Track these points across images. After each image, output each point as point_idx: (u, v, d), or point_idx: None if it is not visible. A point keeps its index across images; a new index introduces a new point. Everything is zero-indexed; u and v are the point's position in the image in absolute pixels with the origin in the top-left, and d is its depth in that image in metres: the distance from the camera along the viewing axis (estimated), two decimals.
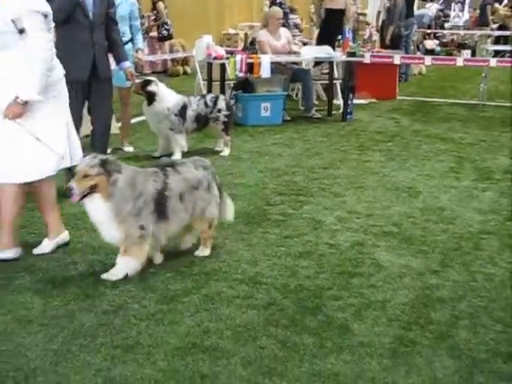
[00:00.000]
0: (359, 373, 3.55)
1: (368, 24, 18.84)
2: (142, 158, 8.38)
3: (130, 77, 7.38)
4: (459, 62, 11.69)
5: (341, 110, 11.44)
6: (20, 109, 4.68)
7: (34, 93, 4.67)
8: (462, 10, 31.81)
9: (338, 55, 11.49)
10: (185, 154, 8.35)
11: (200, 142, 9.16)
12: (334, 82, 11.99)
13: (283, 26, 12.06)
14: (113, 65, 7.02)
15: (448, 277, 4.84)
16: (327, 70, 11.93)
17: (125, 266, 4.67)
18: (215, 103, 8.53)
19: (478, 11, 26.76)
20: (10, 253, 4.96)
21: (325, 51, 11.54)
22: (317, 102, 12.20)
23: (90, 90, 6.47)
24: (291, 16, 18.93)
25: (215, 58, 10.90)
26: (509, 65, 12.02)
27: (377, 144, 9.38)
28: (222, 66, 10.86)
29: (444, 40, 25.84)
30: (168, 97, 8.26)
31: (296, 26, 18.97)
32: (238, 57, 10.65)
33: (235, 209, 6.23)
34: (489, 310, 4.33)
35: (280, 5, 14.03)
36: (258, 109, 10.50)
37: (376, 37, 17.89)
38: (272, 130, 10.19)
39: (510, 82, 15.08)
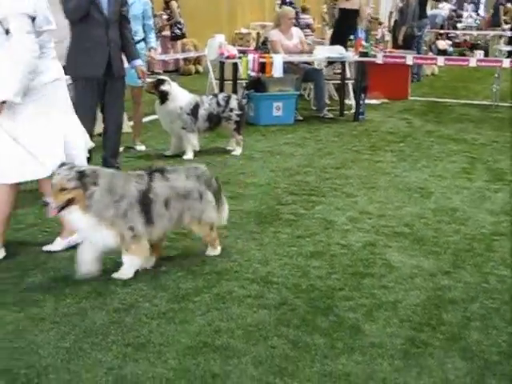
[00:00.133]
0: (370, 373, 3.54)
1: (380, 24, 18.80)
2: (153, 156, 8.40)
3: (142, 75, 7.39)
4: (472, 62, 11.63)
5: (353, 110, 11.43)
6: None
7: (11, 93, 4.65)
8: (476, 11, 31.71)
9: (351, 55, 11.47)
10: (197, 153, 8.38)
11: (212, 141, 9.16)
12: (346, 81, 11.97)
13: (294, 25, 12.06)
14: (125, 63, 7.04)
15: (460, 278, 4.83)
16: (339, 70, 11.92)
17: (130, 264, 4.68)
18: (227, 102, 8.54)
19: (492, 11, 26.66)
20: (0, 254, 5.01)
21: (337, 51, 11.52)
22: (329, 102, 12.19)
23: (104, 89, 6.48)
24: (303, 16, 18.93)
25: (227, 58, 10.93)
26: None
27: (389, 144, 9.36)
28: (235, 66, 10.88)
29: (456, 40, 25.76)
30: (180, 96, 8.27)
31: (308, 25, 18.95)
32: (251, 56, 10.66)
33: (247, 208, 6.28)
34: (501, 312, 4.31)
35: (290, 4, 14.03)
36: (270, 108, 10.50)
37: (388, 37, 17.87)
38: (284, 129, 10.19)
39: None
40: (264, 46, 13.14)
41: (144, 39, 8.52)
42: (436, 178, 7.60)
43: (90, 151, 6.51)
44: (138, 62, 7.16)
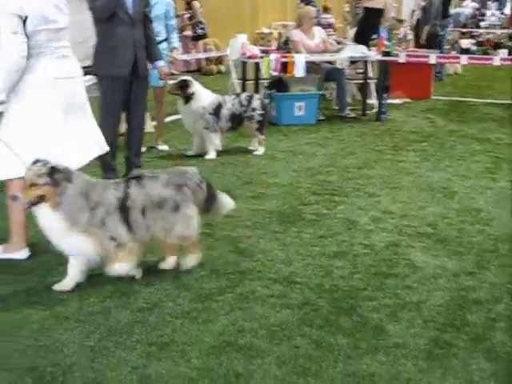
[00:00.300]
0: (394, 374, 3.53)
1: (402, 22, 18.69)
2: (176, 156, 8.43)
3: (163, 76, 7.42)
4: (496, 61, 11.54)
5: (375, 110, 11.39)
6: None
7: None
8: (500, 9, 31.46)
9: (373, 54, 11.43)
10: (219, 153, 8.40)
11: (234, 141, 9.17)
12: (369, 81, 11.93)
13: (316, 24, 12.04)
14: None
15: (484, 279, 4.79)
16: (361, 70, 11.89)
17: (123, 270, 4.53)
18: (250, 102, 8.55)
19: None
20: (24, 253, 5.05)
21: (360, 50, 11.49)
22: (351, 102, 12.15)
23: (130, 88, 6.50)
24: (325, 15, 18.88)
25: (249, 57, 10.93)
26: None
27: (411, 144, 9.32)
28: (256, 65, 10.89)
29: (480, 39, 25.56)
30: (203, 96, 8.30)
31: (330, 25, 18.90)
32: (273, 56, 10.67)
33: (269, 208, 6.28)
34: None
35: (309, 3, 14.00)
36: (291, 108, 10.50)
37: (411, 36, 17.78)
38: (306, 129, 10.18)
39: None
40: (286, 45, 13.12)
41: (166, 39, 8.55)
42: (459, 177, 7.55)
43: (113, 150, 6.60)
44: (161, 63, 7.19)
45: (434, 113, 12.00)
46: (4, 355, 3.66)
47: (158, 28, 7.97)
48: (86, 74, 5.63)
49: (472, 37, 25.02)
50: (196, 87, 8.27)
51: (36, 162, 4.37)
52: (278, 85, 10.64)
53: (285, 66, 10.63)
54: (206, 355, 3.69)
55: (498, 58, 11.90)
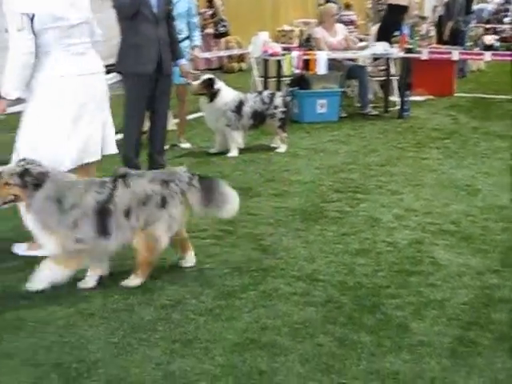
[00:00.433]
0: (419, 372, 3.51)
1: (424, 19, 18.58)
2: (198, 154, 8.45)
3: (185, 74, 7.44)
4: None
5: (397, 107, 11.34)
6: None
7: (3, 90, 4.89)
8: None
9: (396, 51, 11.38)
10: (241, 151, 8.40)
11: (256, 138, 9.17)
12: (391, 78, 11.88)
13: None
14: None
15: (509, 277, 4.75)
16: (384, 67, 11.84)
17: (50, 273, 4.39)
18: (272, 100, 8.56)
19: None
20: None
21: (382, 47, 11.44)
22: (373, 99, 12.10)
23: (155, 85, 6.51)
24: (347, 12, 18.83)
25: (271, 55, 10.92)
26: None
27: (434, 141, 9.26)
28: (278, 63, 10.88)
29: (503, 35, 25.33)
30: (226, 93, 8.31)
31: (351, 22, 18.85)
32: (295, 53, 10.66)
33: (292, 206, 6.29)
34: None
35: (330, 0, 13.98)
36: (313, 105, 10.48)
37: (433, 32, 17.66)
38: (328, 126, 10.16)
39: None
40: (307, 43, 13.11)
41: (188, 37, 8.56)
42: (483, 175, 7.50)
43: (137, 147, 6.63)
44: (182, 61, 7.20)
45: (456, 110, 11.91)
46: (30, 351, 3.69)
47: (180, 26, 7.98)
48: (109, 71, 5.66)
49: (495, 33, 24.79)
50: (220, 84, 8.29)
51: (21, 161, 4.41)
52: (300, 82, 10.64)
53: (307, 64, 10.62)
54: (229, 352, 3.69)
55: None
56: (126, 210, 4.41)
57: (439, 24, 16.23)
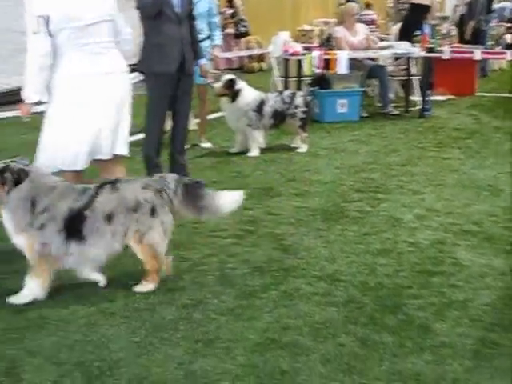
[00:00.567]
0: (441, 374, 3.49)
1: (446, 19, 18.48)
2: (219, 153, 8.46)
3: (204, 74, 7.45)
4: None
5: (418, 107, 11.28)
6: (21, 106, 5.10)
7: (24, 93, 5.02)
8: None
9: (417, 51, 11.33)
10: (262, 151, 8.40)
11: (277, 138, 9.16)
12: (412, 78, 11.83)
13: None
14: None
15: None
16: (405, 66, 11.79)
17: (32, 286, 4.33)
18: (293, 99, 8.56)
19: None
20: None
21: (403, 47, 11.39)
22: (394, 98, 12.03)
23: (177, 85, 6.51)
24: (367, 11, 18.77)
25: (292, 55, 10.91)
26: None
27: (455, 141, 9.21)
28: (299, 63, 10.86)
29: None
30: (247, 93, 8.32)
31: (372, 21, 18.78)
32: (315, 53, 10.64)
33: (312, 205, 6.28)
34: None
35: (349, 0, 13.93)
36: (334, 105, 10.46)
37: (454, 32, 17.55)
38: (349, 126, 10.13)
39: None
40: (328, 42, 13.08)
41: (209, 37, 8.57)
42: (505, 175, 7.44)
43: (158, 147, 6.64)
44: (203, 61, 7.23)
45: (478, 109, 11.83)
46: (53, 349, 3.71)
47: (201, 25, 7.99)
48: (132, 71, 5.66)
49: None
50: (241, 84, 8.30)
51: (12, 160, 4.41)
52: (321, 82, 10.62)
53: (327, 63, 10.60)
54: (250, 352, 3.69)
55: None
56: (107, 215, 4.33)
57: (461, 23, 16.12)
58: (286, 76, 11.23)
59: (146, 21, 6.45)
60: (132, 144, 5.69)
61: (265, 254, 5.11)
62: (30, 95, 5.02)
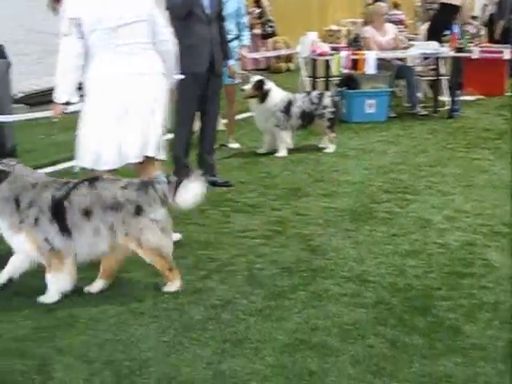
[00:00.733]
0: (472, 376, 3.46)
1: (475, 18, 18.32)
2: (246, 154, 8.47)
3: (232, 74, 7.45)
4: None
5: (447, 107, 11.20)
6: (53, 106, 5.18)
7: (55, 95, 5.10)
8: None
9: (446, 51, 11.24)
10: (290, 151, 8.39)
11: (304, 139, 9.14)
12: (440, 78, 11.74)
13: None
14: None
15: None
16: (433, 66, 11.70)
17: (55, 283, 4.34)
18: (321, 100, 8.54)
19: None
20: None
21: (432, 47, 11.32)
22: (423, 98, 11.94)
23: (207, 85, 6.53)
24: (395, 11, 18.65)
25: (320, 55, 10.89)
26: None
27: (485, 142, 9.12)
28: (327, 63, 10.84)
29: None
30: (276, 94, 8.32)
31: (400, 21, 18.67)
32: (343, 53, 10.61)
33: (341, 206, 6.27)
34: None
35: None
36: (362, 105, 10.41)
37: (483, 31, 17.40)
38: (377, 126, 10.08)
39: None
40: (355, 42, 13.01)
41: (237, 37, 8.58)
42: None
43: (187, 147, 6.67)
44: (231, 62, 7.25)
45: (508, 109, 11.68)
46: (83, 348, 3.74)
47: (230, 26, 7.98)
48: None
49: None
50: (270, 85, 8.31)
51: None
52: (349, 82, 10.58)
53: (355, 64, 10.56)
54: (279, 353, 3.69)
55: None
56: (84, 210, 4.28)
57: (490, 23, 15.96)
58: (314, 76, 11.20)
59: (175, 21, 6.47)
60: None
61: (293, 255, 5.11)
62: (59, 95, 5.07)
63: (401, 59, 11.39)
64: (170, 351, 3.72)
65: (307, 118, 8.53)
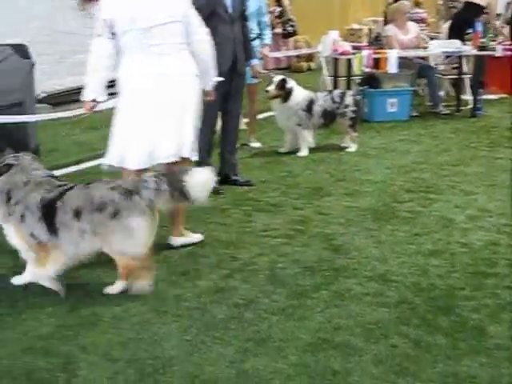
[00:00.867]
0: (497, 377, 3.44)
1: (499, 16, 18.17)
2: (268, 153, 8.46)
3: (255, 74, 7.44)
4: None
5: (470, 106, 11.12)
6: (84, 103, 5.22)
7: (85, 91, 5.15)
8: None
9: (468, 49, 11.17)
10: (311, 150, 8.37)
11: (326, 138, 9.12)
12: (463, 76, 11.67)
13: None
14: None
15: None
16: (456, 65, 11.63)
17: (31, 272, 4.46)
18: (342, 99, 8.51)
19: None
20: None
21: (453, 45, 11.25)
22: (445, 97, 11.88)
23: (230, 85, 6.53)
24: (417, 10, 18.56)
25: (341, 54, 10.86)
26: None
27: (508, 141, 9.04)
28: (348, 62, 10.81)
29: None
30: (298, 93, 8.31)
31: (422, 19, 18.57)
32: (365, 52, 10.58)
33: (363, 205, 6.25)
34: None
35: None
36: (384, 104, 10.36)
37: (507, 29, 17.25)
38: (399, 125, 10.03)
39: None
40: (376, 41, 12.97)
41: (259, 36, 8.58)
42: None
43: (209, 147, 6.68)
44: (254, 61, 7.25)
45: None
46: (107, 346, 3.76)
47: (251, 25, 7.96)
48: None
49: None
50: (292, 83, 8.31)
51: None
52: (370, 81, 10.54)
53: (377, 62, 10.52)
54: (302, 352, 3.69)
55: None
56: (75, 210, 4.29)
57: None
58: (336, 75, 11.18)
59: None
60: None
61: (315, 254, 5.10)
62: (86, 93, 5.13)
63: (423, 58, 11.34)
64: (193, 350, 3.73)
65: (329, 117, 8.51)
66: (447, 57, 11.81)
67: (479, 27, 11.64)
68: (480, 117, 10.74)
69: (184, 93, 5.17)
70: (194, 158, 5.33)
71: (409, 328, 3.95)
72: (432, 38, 13.01)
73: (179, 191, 4.35)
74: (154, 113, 5.06)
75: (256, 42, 8.33)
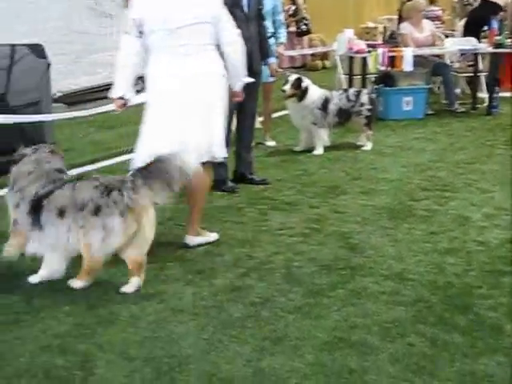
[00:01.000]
0: None
1: None
2: (283, 152, 8.46)
3: (273, 72, 7.44)
4: None
5: (485, 104, 11.07)
6: (113, 101, 5.28)
7: (113, 88, 5.22)
8: None
9: (484, 46, 11.11)
10: (326, 149, 8.36)
11: (341, 136, 9.10)
12: (479, 74, 11.60)
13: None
14: None
15: None
16: (472, 62, 11.57)
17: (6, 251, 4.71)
18: (358, 97, 8.50)
19: None
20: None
21: (469, 43, 11.20)
22: (460, 95, 11.82)
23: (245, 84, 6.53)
24: (432, 7, 18.48)
25: (356, 52, 10.84)
26: None
27: None
28: (363, 60, 10.79)
29: None
30: (313, 91, 8.31)
31: (437, 17, 18.49)
32: (380, 50, 10.55)
33: (379, 204, 6.27)
34: None
35: None
36: (399, 103, 10.34)
37: None
38: (414, 124, 10.00)
39: None
40: (391, 39, 12.92)
41: (274, 35, 8.57)
42: None
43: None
44: (272, 60, 7.27)
45: None
46: (124, 345, 3.77)
47: (267, 24, 7.99)
48: None
49: None
50: (307, 82, 8.31)
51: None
52: (386, 79, 10.52)
53: (392, 61, 10.49)
54: (319, 351, 3.69)
55: None
56: (60, 209, 4.37)
57: None
58: (351, 74, 11.16)
59: None
60: None
61: (331, 253, 5.10)
62: (115, 91, 5.19)
63: (438, 56, 11.29)
64: (210, 348, 3.73)
65: (344, 116, 8.50)
66: (462, 54, 11.75)
67: (495, 24, 11.56)
68: (496, 114, 10.69)
69: (209, 93, 5.14)
70: (224, 155, 5.36)
71: (425, 326, 3.94)
72: (447, 36, 12.96)
73: (158, 181, 4.37)
74: (180, 113, 5.05)
75: (271, 41, 8.32)
